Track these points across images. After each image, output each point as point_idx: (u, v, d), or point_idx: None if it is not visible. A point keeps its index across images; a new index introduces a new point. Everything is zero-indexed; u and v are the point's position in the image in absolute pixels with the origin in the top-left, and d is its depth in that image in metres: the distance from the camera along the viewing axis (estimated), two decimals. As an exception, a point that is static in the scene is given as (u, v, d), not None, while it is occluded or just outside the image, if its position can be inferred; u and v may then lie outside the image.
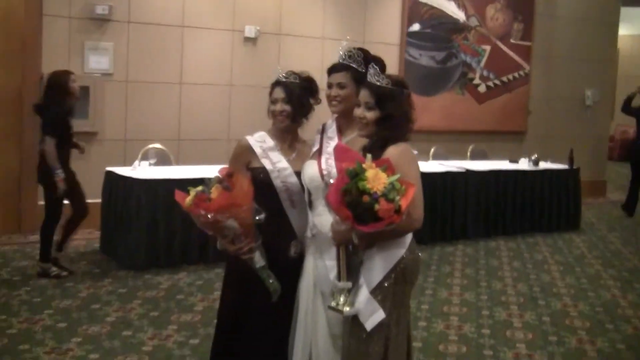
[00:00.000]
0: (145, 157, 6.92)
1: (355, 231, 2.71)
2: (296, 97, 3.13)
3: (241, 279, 3.13)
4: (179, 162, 7.51)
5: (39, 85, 6.98)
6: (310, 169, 3.09)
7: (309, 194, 3.13)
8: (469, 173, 7.86)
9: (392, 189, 2.63)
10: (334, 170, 2.96)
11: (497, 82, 10.12)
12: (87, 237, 6.93)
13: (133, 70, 7.55)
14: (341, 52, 3.14)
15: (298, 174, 3.14)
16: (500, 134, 10.31)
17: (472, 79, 9.89)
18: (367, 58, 3.12)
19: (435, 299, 5.58)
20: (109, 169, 6.48)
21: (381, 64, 3.05)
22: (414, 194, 2.67)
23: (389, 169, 2.69)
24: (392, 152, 2.80)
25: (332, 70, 3.12)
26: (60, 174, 5.49)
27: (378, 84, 2.86)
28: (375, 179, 2.64)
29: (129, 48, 7.51)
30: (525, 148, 10.22)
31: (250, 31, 8.12)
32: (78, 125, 7.15)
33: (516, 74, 10.32)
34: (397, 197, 2.62)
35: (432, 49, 9.43)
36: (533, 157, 8.56)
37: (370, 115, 2.87)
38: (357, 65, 3.08)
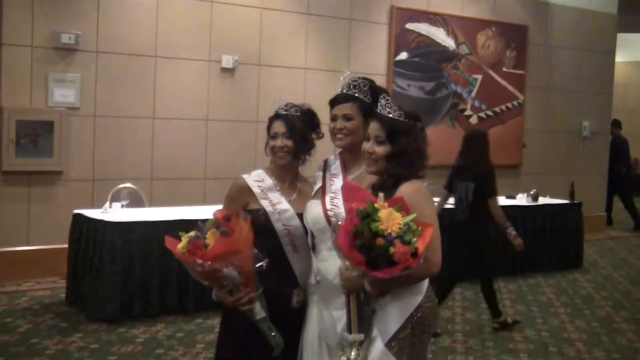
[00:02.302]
0: (115, 198, 6.79)
1: (368, 277, 2.63)
2: (298, 131, 3.06)
3: (240, 333, 3.03)
4: (152, 203, 7.40)
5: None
6: (314, 210, 3.01)
7: (312, 236, 3.06)
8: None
9: (407, 230, 2.57)
10: (339, 211, 2.89)
11: (489, 113, 10.18)
12: (51, 287, 6.76)
13: (102, 104, 7.45)
14: (343, 82, 3.09)
15: (300, 215, 3.07)
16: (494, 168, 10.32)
17: (463, 110, 9.94)
18: (373, 88, 3.08)
19: (438, 347, 5.49)
20: (76, 211, 6.34)
21: (387, 96, 3.01)
22: (432, 235, 2.61)
23: (403, 208, 2.63)
24: (406, 190, 2.75)
25: (336, 101, 3.04)
26: (512, 232, 6.04)
27: (390, 116, 2.81)
28: (389, 219, 2.58)
29: (97, 80, 7.42)
30: (521, 182, 10.27)
31: (227, 61, 8.07)
32: (41, 164, 7.11)
33: (509, 105, 10.40)
34: (414, 239, 2.56)
35: (421, 79, 9.47)
36: (532, 192, 8.57)
37: (381, 150, 2.81)
38: (363, 96, 3.03)
